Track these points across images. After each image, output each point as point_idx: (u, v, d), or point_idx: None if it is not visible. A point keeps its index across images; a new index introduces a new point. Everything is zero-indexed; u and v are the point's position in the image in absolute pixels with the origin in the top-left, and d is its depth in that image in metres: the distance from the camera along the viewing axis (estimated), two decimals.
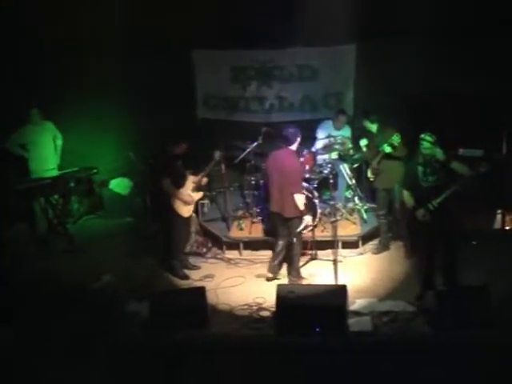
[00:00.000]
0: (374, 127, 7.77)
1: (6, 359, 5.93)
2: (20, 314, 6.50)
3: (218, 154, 7.72)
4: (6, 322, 6.44)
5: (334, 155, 8.66)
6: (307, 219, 7.22)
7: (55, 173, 8.95)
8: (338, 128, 8.74)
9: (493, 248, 7.73)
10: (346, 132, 8.80)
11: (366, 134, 7.93)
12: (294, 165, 7.09)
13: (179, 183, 7.46)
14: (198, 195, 7.69)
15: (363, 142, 7.91)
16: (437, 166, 6.45)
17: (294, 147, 7.16)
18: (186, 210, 7.52)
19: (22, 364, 5.91)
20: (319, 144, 8.66)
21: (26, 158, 8.88)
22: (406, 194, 6.78)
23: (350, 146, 8.63)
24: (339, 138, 8.53)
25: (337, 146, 8.55)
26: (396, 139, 7.29)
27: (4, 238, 8.46)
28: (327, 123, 8.84)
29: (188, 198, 7.50)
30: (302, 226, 7.20)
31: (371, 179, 7.90)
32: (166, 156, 7.44)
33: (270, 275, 7.43)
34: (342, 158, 8.79)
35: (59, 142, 9.07)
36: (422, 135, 6.49)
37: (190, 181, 7.55)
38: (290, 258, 7.42)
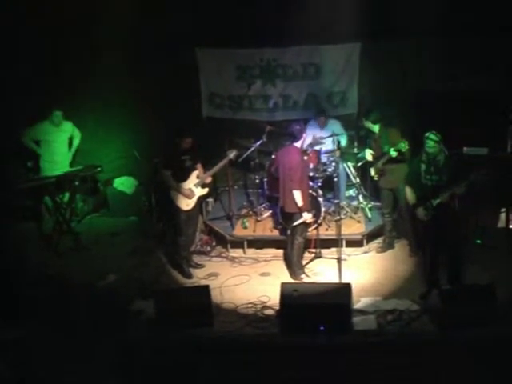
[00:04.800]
0: (375, 127, 7.69)
1: (14, 357, 5.96)
2: (27, 313, 6.51)
3: (232, 154, 7.69)
4: (13, 320, 6.46)
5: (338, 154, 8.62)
6: (305, 216, 7.18)
7: (62, 171, 8.95)
8: (321, 127, 8.72)
9: (497, 247, 7.73)
10: (332, 128, 8.63)
11: (369, 134, 7.90)
12: (294, 161, 7.11)
13: (181, 176, 7.43)
14: (201, 191, 7.60)
15: (368, 152, 7.89)
16: (440, 166, 6.44)
17: (298, 144, 7.19)
18: (184, 204, 7.45)
19: (28, 362, 5.94)
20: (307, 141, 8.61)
21: (38, 154, 9.05)
22: (408, 190, 6.80)
23: (344, 144, 8.56)
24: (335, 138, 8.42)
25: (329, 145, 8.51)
26: (404, 146, 7.18)
27: (9, 237, 8.48)
28: (313, 123, 8.80)
29: (187, 192, 7.43)
30: (298, 221, 7.20)
31: (375, 178, 7.89)
32: (172, 149, 7.45)
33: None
34: (345, 156, 8.75)
35: (76, 142, 9.22)
36: (427, 134, 6.50)
37: (195, 176, 7.53)
38: (289, 254, 7.47)
